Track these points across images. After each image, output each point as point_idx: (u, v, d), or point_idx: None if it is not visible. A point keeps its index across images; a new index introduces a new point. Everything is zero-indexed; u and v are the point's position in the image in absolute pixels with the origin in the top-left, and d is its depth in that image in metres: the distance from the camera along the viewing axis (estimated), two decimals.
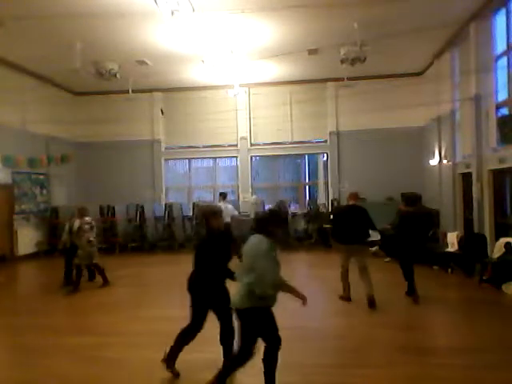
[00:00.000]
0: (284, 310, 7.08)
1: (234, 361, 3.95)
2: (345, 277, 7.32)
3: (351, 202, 7.45)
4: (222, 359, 4.25)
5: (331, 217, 8.38)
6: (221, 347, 4.47)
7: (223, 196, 12.34)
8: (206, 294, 4.32)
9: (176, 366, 4.50)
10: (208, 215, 4.46)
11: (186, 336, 4.51)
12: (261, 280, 3.65)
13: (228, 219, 11.39)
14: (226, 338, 4.42)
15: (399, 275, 7.55)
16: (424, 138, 14.35)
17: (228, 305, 4.07)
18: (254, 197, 15.23)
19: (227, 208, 11.59)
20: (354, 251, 7.17)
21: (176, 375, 4.44)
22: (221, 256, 4.35)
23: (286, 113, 15.47)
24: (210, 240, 4.42)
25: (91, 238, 8.46)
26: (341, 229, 7.29)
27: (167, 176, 16.38)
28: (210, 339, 5.15)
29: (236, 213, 12.61)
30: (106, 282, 8.81)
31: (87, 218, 8.62)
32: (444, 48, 12.10)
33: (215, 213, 4.51)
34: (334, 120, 15.24)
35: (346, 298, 7.29)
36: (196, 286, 4.38)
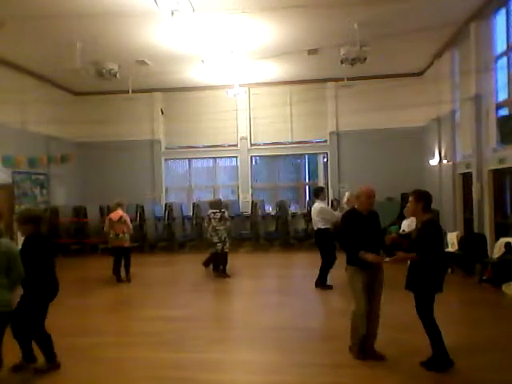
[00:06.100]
0: (284, 310, 7.12)
1: None
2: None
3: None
4: None
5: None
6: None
7: (317, 194, 8.98)
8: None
9: (177, 366, 4.48)
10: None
11: None
12: None
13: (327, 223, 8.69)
14: None
15: (397, 275, 7.53)
16: (424, 138, 14.34)
17: None
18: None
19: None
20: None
21: None
22: None
23: (286, 113, 15.47)
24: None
25: None
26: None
27: (167, 176, 16.38)
28: (210, 339, 5.16)
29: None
30: None
31: None
32: (444, 48, 12.09)
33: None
34: (334, 120, 15.23)
35: None
36: None
